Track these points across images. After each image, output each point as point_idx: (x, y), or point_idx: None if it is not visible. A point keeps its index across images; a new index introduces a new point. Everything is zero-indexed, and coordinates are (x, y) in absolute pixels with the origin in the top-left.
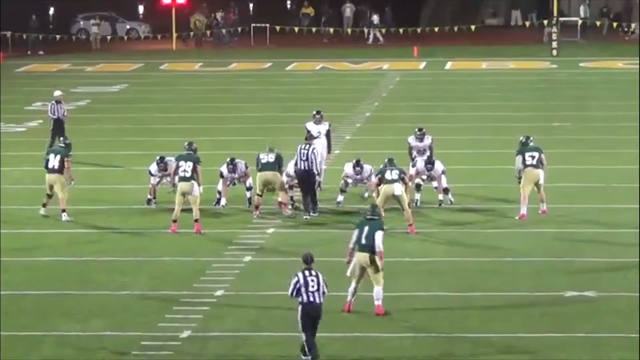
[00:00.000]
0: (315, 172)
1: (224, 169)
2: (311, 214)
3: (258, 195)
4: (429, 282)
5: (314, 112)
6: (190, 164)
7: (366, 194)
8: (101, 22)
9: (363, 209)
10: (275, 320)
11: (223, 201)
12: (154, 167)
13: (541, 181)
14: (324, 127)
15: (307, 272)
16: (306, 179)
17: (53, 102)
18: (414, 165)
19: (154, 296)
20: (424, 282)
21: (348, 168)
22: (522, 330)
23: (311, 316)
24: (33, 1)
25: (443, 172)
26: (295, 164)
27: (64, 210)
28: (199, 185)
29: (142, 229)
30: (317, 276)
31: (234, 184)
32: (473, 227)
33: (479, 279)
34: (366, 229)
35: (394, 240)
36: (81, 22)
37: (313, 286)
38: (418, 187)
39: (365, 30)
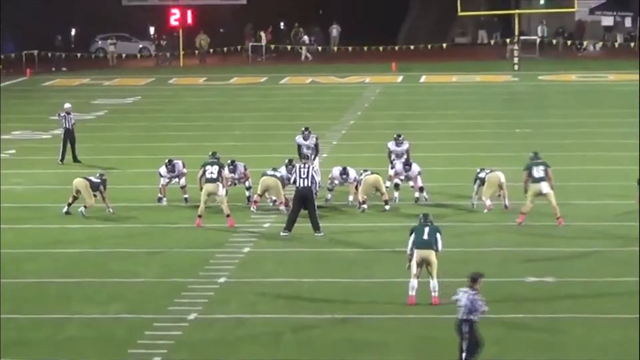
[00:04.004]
0: (315, 190)
1: (225, 170)
2: (316, 234)
3: (259, 195)
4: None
5: (303, 129)
6: (216, 167)
7: (351, 198)
8: (117, 41)
9: (348, 205)
10: (272, 303)
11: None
12: (163, 169)
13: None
14: (311, 142)
15: (470, 290)
16: (306, 197)
17: (64, 113)
18: (392, 167)
19: (164, 283)
20: (403, 270)
21: (335, 172)
22: (488, 312)
23: (458, 332)
24: (57, 23)
25: (419, 173)
26: (294, 182)
27: (85, 207)
28: (223, 187)
29: (154, 224)
30: (465, 292)
31: (235, 184)
32: (445, 221)
33: (450, 267)
34: (427, 229)
35: (376, 233)
36: (99, 42)
37: (460, 301)
38: (397, 186)
39: (298, 48)
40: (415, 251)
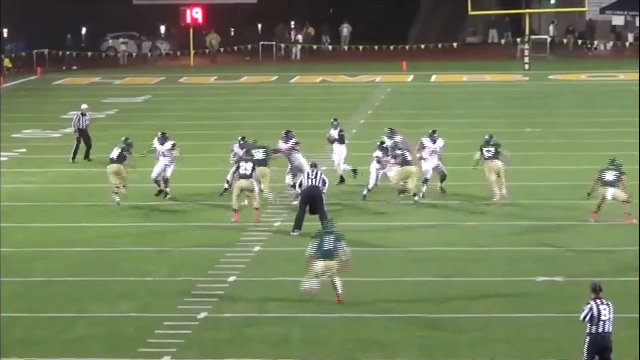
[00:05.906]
0: (323, 191)
1: (236, 147)
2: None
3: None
4: (416, 269)
5: (332, 120)
6: (250, 164)
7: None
8: (128, 40)
9: (359, 204)
10: (281, 303)
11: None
12: (156, 141)
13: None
14: (336, 132)
15: (598, 302)
16: (313, 197)
17: (78, 113)
18: (420, 159)
19: (174, 282)
20: (412, 269)
21: (377, 153)
22: (498, 311)
23: (600, 346)
24: (67, 22)
25: (443, 145)
26: (300, 185)
27: (115, 193)
28: (257, 186)
29: (164, 222)
30: (608, 305)
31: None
32: (455, 220)
33: (459, 266)
34: (328, 239)
35: (386, 232)
36: (110, 41)
37: (605, 315)
38: (426, 181)
39: (287, 46)
40: (320, 260)
